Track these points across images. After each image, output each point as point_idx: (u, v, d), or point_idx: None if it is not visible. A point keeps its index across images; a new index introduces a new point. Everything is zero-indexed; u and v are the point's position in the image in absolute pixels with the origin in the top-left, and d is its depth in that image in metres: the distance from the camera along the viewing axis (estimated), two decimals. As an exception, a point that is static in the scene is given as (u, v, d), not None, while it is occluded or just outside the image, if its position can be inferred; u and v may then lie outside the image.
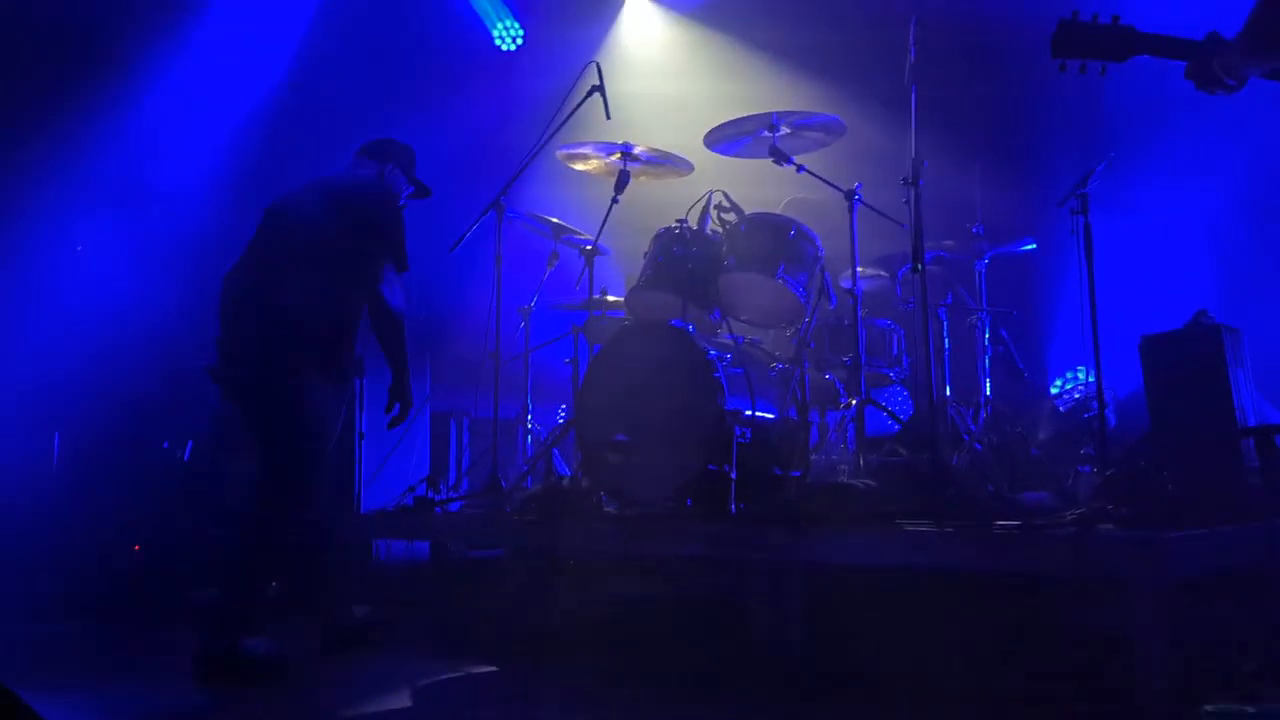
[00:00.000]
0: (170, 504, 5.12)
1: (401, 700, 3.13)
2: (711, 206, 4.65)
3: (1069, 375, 5.45)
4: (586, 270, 4.94)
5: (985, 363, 5.11)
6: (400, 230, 3.87)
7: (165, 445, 5.60)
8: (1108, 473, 3.47)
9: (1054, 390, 5.46)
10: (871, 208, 4.52)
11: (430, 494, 5.02)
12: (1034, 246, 5.23)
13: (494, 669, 3.58)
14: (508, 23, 7.14)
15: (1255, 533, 2.90)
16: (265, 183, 6.24)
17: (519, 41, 7.20)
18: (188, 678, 3.22)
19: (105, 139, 5.77)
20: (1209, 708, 2.23)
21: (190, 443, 5.43)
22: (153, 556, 4.99)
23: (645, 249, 4.67)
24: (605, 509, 4.18)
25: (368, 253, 3.73)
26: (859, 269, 4.46)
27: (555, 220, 5.32)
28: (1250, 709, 2.21)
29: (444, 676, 3.47)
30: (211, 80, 6.46)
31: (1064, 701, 2.74)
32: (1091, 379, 4.26)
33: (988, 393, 5.06)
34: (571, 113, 4.68)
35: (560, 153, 4.95)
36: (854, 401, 4.35)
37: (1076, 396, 4.88)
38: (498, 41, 7.18)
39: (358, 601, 3.88)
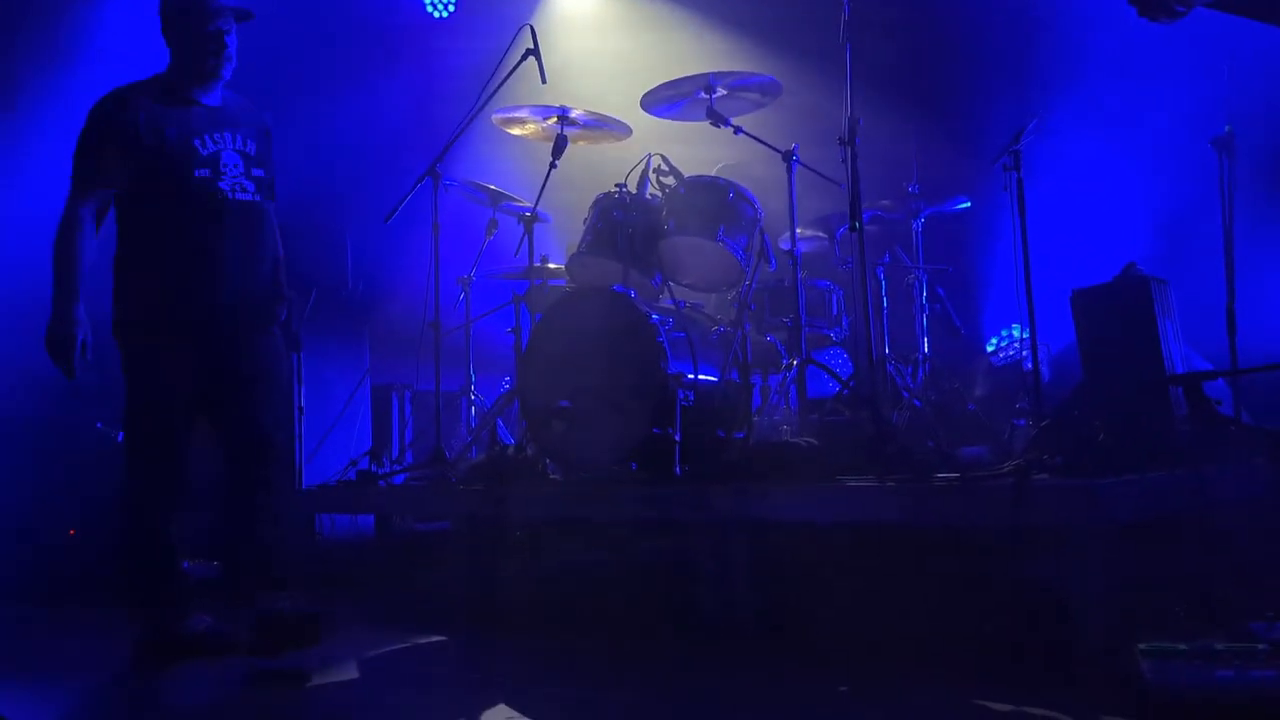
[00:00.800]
0: (106, 487, 5.03)
1: (350, 672, 3.13)
2: (650, 170, 4.64)
3: (1004, 332, 5.54)
4: (526, 238, 4.88)
5: (923, 321, 5.17)
6: (85, 134, 3.29)
7: (99, 426, 5.50)
8: (1042, 424, 3.54)
9: (990, 347, 5.54)
10: (809, 168, 4.54)
11: (373, 467, 5.00)
12: (969, 204, 5.28)
13: (444, 639, 3.58)
14: (439, -17, 7.05)
15: (1185, 478, 2.97)
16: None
17: (450, 8, 7.10)
18: (130, 662, 3.19)
19: (37, 114, 5.58)
20: (1143, 646, 2.27)
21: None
22: (88, 541, 4.90)
23: (585, 215, 4.64)
24: (550, 476, 4.19)
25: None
26: (797, 230, 4.48)
27: (493, 187, 5.27)
28: (1182, 646, 2.25)
29: (393, 647, 3.46)
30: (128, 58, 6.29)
31: (1006, 647, 2.77)
32: (1026, 335, 4.33)
33: (926, 350, 5.12)
34: (506, 77, 4.62)
35: (496, 117, 4.89)
36: (795, 362, 4.38)
37: (1011, 353, 4.96)
38: (429, 8, 7.07)
39: (294, 587, 3.80)
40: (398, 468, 5.23)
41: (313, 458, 5.22)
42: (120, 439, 5.31)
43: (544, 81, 4.56)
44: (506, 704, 2.62)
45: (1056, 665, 2.60)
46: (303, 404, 5.13)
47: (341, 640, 3.56)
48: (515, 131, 5.04)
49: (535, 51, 4.54)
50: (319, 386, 5.37)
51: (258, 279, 3.44)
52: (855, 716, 2.43)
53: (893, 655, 2.89)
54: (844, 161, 3.93)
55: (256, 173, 3.43)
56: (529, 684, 2.86)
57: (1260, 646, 2.22)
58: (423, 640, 3.56)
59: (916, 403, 4.57)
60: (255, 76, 6.14)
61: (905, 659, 2.86)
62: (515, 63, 4.57)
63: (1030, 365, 4.19)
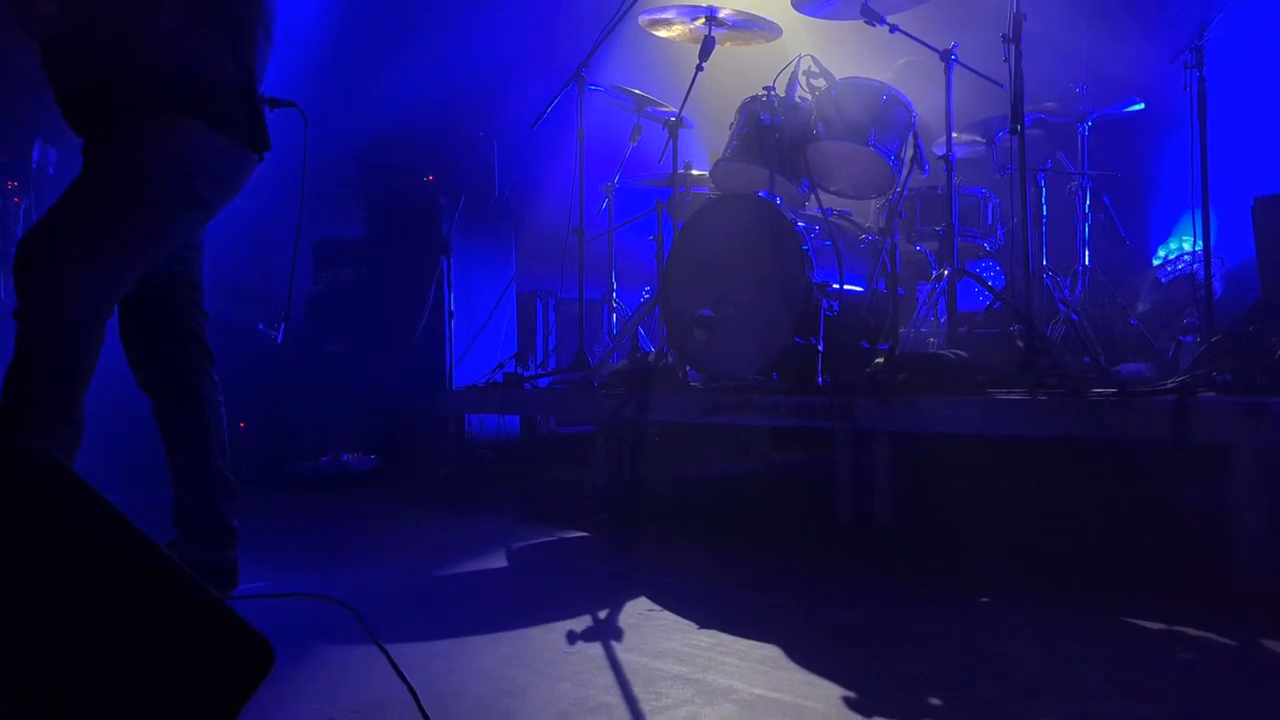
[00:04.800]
0: (270, 384, 5.34)
1: (496, 559, 3.28)
2: (800, 72, 4.54)
3: (1174, 244, 5.28)
4: (670, 144, 4.87)
5: (1085, 231, 4.99)
6: None
7: (261, 328, 5.83)
8: (1212, 339, 3.39)
9: (1157, 260, 5.31)
10: (969, 68, 4.36)
11: (519, 371, 5.15)
12: (1142, 106, 5.02)
13: (586, 534, 3.70)
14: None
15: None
16: (348, 55, 6.31)
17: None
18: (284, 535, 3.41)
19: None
20: None
21: (283, 326, 5.62)
22: (257, 433, 5.25)
23: (731, 120, 4.59)
24: (691, 384, 4.24)
25: None
26: (954, 134, 4.33)
27: (638, 92, 5.25)
28: None
29: (541, 540, 3.59)
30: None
31: (1161, 572, 2.75)
32: (1199, 247, 4.13)
33: (1087, 262, 4.95)
34: (653, -23, 4.59)
35: (642, 19, 4.85)
36: (946, 273, 4.28)
37: (1181, 266, 4.73)
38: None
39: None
40: (542, 372, 5.37)
41: (462, 360, 5.41)
42: (280, 338, 5.64)
43: (692, -20, 4.51)
44: (648, 598, 2.69)
45: (1213, 588, 2.55)
46: (452, 308, 5.30)
47: (491, 533, 3.75)
48: (661, 34, 4.99)
49: (683, -53, 4.49)
50: (467, 291, 5.54)
51: None
52: (998, 628, 2.42)
53: (1040, 571, 2.89)
54: (1006, 60, 3.78)
55: None
56: (668, 581, 2.93)
57: None
58: (568, 535, 3.68)
59: (1074, 316, 4.42)
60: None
61: (1053, 575, 2.86)
62: (663, -40, 4.54)
63: (1202, 279, 4.01)
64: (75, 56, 2.49)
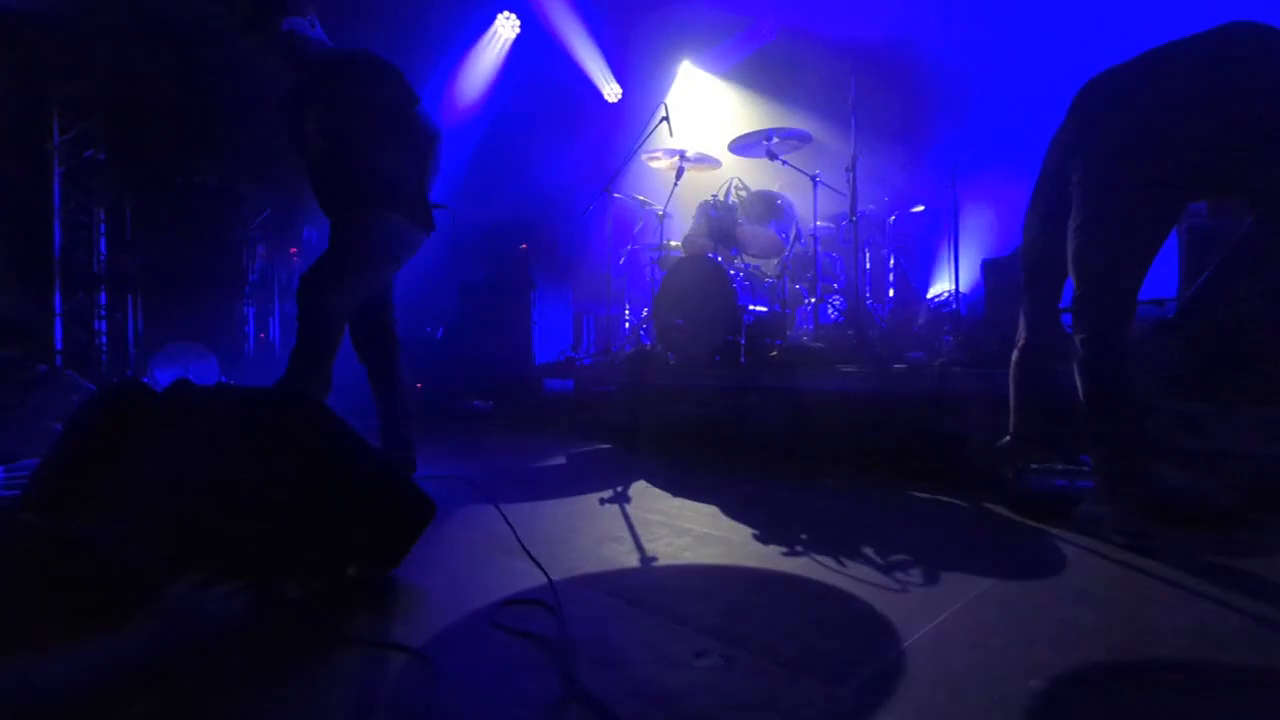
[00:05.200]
0: (433, 363, 5.30)
1: (559, 459, 3.25)
2: (732, 187, 4.56)
3: (938, 287, 5.26)
4: (660, 226, 4.89)
5: (890, 278, 4.98)
6: None
7: (428, 330, 5.81)
8: (960, 338, 3.41)
9: (930, 295, 5.28)
10: (826, 184, 4.38)
11: (572, 355, 5.15)
12: (922, 208, 5.01)
13: (609, 446, 3.68)
14: (612, 84, 6.94)
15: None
16: (478, 175, 6.28)
17: (619, 96, 7.00)
18: (441, 445, 3.36)
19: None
20: (1034, 465, 2.17)
21: (442, 328, 5.60)
22: (428, 391, 5.23)
23: (693, 212, 4.61)
24: (670, 362, 4.25)
25: None
26: (817, 222, 4.35)
27: (640, 197, 5.24)
28: (1059, 465, 2.17)
29: (583, 449, 3.57)
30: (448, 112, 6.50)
31: (929, 467, 2.73)
32: (953, 289, 4.14)
33: (891, 295, 4.93)
34: (650, 132, 4.58)
35: (643, 156, 4.86)
36: (813, 300, 4.30)
37: (943, 298, 4.73)
38: (606, 96, 7.00)
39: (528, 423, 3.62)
40: (585, 355, 5.37)
41: (542, 348, 5.40)
42: (440, 336, 5.59)
43: (671, 135, 4.50)
44: (644, 479, 2.69)
45: (961, 478, 2.54)
46: (535, 319, 5.28)
47: (558, 444, 3.73)
48: (654, 165, 5.00)
49: (667, 118, 4.48)
50: (544, 309, 5.52)
51: None
52: (838, 496, 2.41)
53: (861, 467, 2.87)
54: (847, 178, 3.80)
55: None
56: (653, 469, 2.91)
57: (1085, 469, 2.17)
58: (599, 447, 3.65)
59: (883, 325, 4.44)
60: (516, 138, 6.24)
61: (869, 470, 2.85)
62: (655, 124, 4.53)
63: (955, 306, 4.02)
64: (331, 172, 2.46)
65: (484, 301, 5.66)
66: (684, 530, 1.95)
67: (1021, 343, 2.24)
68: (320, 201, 2.51)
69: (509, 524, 1.94)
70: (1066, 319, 2.04)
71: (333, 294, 2.31)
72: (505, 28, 6.71)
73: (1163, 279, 2.48)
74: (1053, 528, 1.99)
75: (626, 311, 5.76)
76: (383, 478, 1.57)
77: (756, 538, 1.88)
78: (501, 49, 6.80)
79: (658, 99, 5.59)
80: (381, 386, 2.66)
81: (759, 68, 6.23)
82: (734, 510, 2.17)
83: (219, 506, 1.37)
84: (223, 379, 4.95)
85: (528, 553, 1.73)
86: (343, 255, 2.39)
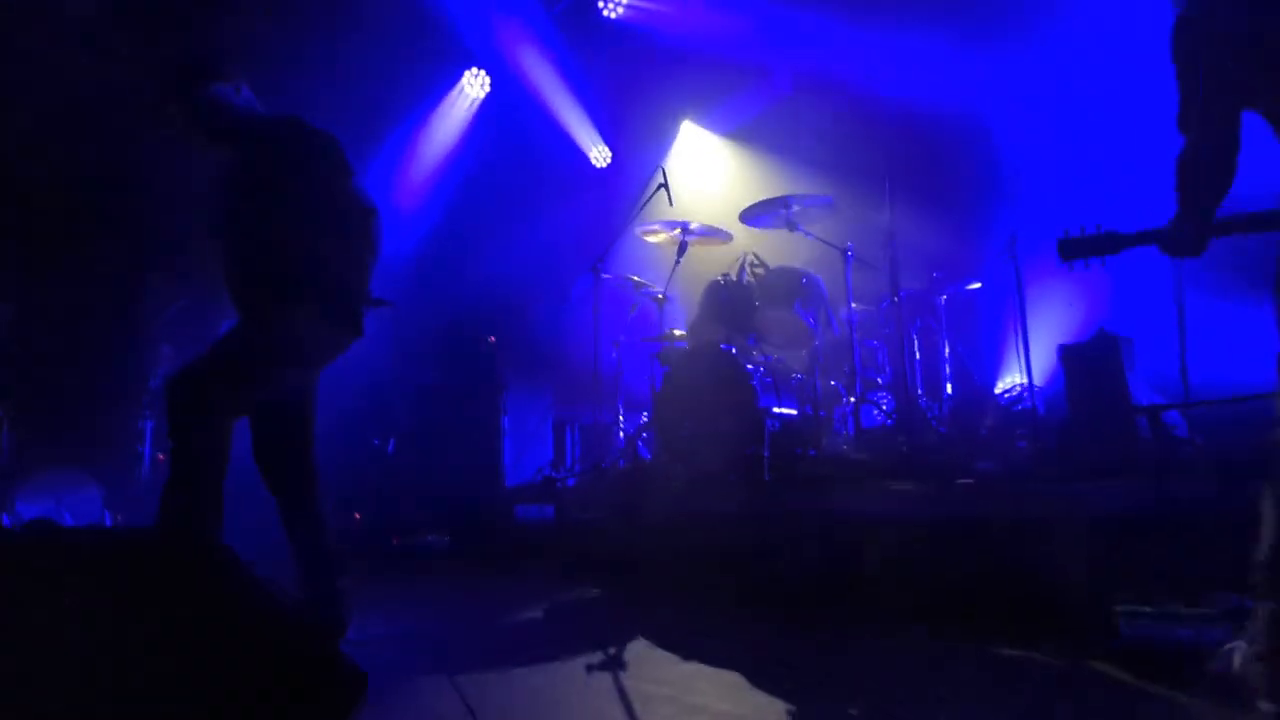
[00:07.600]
0: (378, 484, 5.25)
1: (535, 612, 3.20)
2: (746, 264, 4.68)
3: (1008, 379, 5.28)
4: (659, 313, 4.98)
5: (946, 370, 5.00)
6: None
7: (375, 442, 5.75)
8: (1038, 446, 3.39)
9: (998, 390, 5.30)
10: (860, 259, 4.50)
11: (553, 474, 5.11)
12: (979, 285, 5.11)
13: (600, 592, 3.61)
14: (600, 147, 7.28)
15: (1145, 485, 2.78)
16: (437, 255, 6.46)
17: (608, 160, 7.32)
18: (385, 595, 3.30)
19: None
20: (1120, 608, 2.16)
21: (392, 440, 5.56)
22: (368, 521, 5.13)
23: (699, 296, 4.70)
24: (676, 482, 4.18)
25: None
26: (853, 304, 4.44)
27: (635, 278, 5.35)
28: (1148, 609, 2.13)
29: (565, 597, 3.51)
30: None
31: (1012, 611, 2.65)
32: (1025, 380, 4.16)
33: (949, 391, 4.94)
34: (645, 202, 4.78)
35: (638, 229, 5.02)
36: (853, 399, 4.32)
37: (1014, 394, 4.74)
38: (593, 160, 7.32)
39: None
40: (569, 474, 5.31)
41: (514, 465, 5.34)
42: (390, 449, 5.55)
43: (671, 204, 4.69)
44: (644, 637, 2.63)
45: (1052, 625, 2.46)
46: (505, 428, 5.26)
47: (534, 590, 3.64)
48: (651, 239, 5.15)
49: (665, 185, 4.67)
50: (518, 416, 5.51)
51: None
52: (895, 653, 2.35)
53: (920, 614, 2.76)
54: (885, 252, 3.91)
55: None
56: (656, 623, 2.86)
57: (1213, 613, 2.09)
58: (587, 594, 3.59)
59: (942, 429, 4.42)
60: (483, 212, 6.47)
61: (930, 617, 2.73)
62: (651, 192, 4.72)
63: (1029, 403, 4.03)
64: (236, 259, 2.50)
65: (444, 407, 5.65)
66: (696, 709, 1.88)
67: None
68: (229, 293, 2.54)
69: (467, 705, 1.88)
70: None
71: (210, 397, 2.29)
72: (473, 86, 7.12)
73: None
74: (1176, 691, 1.90)
75: (620, 418, 5.74)
76: (296, 648, 1.50)
77: (793, 717, 1.78)
78: (469, 110, 7.19)
79: (654, 163, 5.84)
80: (298, 526, 2.59)
81: (772, 126, 6.56)
82: (761, 677, 2.10)
83: (61, 694, 1.29)
84: (106, 514, 4.87)
85: (489, 746, 1.66)
86: (230, 354, 2.40)
